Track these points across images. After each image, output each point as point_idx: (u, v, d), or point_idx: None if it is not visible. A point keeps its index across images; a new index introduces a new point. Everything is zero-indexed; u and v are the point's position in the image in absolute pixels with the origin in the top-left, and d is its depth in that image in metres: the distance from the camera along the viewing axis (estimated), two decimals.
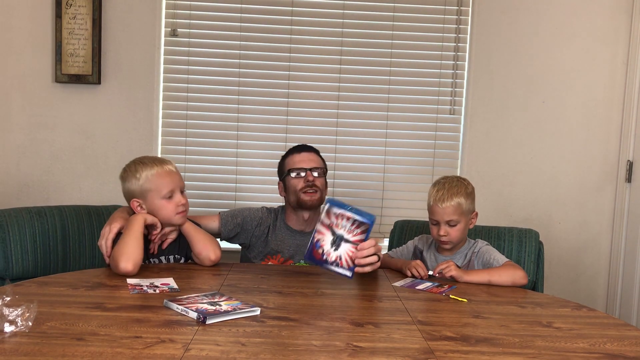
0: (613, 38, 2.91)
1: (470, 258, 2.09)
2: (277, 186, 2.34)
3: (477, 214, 2.11)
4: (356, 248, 1.74)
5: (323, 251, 1.75)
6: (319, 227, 1.75)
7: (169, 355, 1.20)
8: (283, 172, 2.29)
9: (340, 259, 1.75)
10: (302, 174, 2.22)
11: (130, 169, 1.97)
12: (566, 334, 1.47)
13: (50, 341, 1.25)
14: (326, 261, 1.75)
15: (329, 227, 1.75)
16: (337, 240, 1.74)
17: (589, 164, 2.96)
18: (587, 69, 2.92)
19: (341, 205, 1.75)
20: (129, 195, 1.97)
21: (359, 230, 1.74)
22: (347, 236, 1.74)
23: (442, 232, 2.03)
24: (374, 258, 1.75)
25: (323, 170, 2.27)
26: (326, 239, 1.75)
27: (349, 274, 1.75)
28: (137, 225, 1.87)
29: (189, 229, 2.00)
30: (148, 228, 1.94)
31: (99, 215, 2.34)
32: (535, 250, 2.33)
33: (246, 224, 2.25)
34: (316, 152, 2.31)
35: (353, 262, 1.74)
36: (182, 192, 1.99)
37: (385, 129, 2.95)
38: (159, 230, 1.95)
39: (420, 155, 2.97)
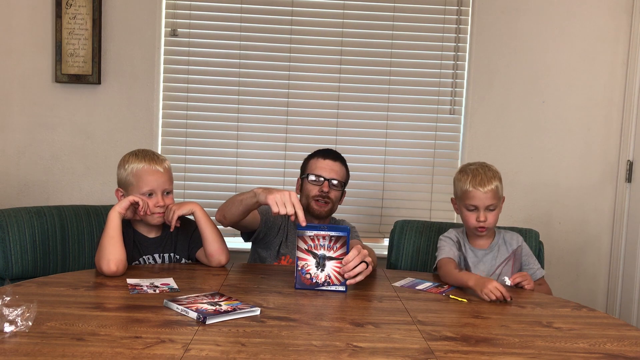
0: (613, 38, 2.91)
1: (513, 251, 2.07)
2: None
3: (504, 198, 2.09)
4: (341, 262, 1.74)
5: (311, 276, 1.76)
6: (298, 254, 1.76)
7: (168, 356, 1.20)
8: (304, 171, 2.28)
9: (330, 277, 1.75)
10: (320, 182, 2.20)
11: (124, 158, 2.00)
12: (566, 334, 1.47)
13: (50, 341, 1.25)
14: (317, 284, 1.76)
15: (309, 251, 1.75)
16: (321, 261, 1.75)
17: (589, 164, 2.96)
18: (587, 69, 2.92)
19: (312, 227, 1.75)
20: (117, 183, 2.01)
21: (338, 245, 1.75)
22: (329, 254, 1.75)
23: (482, 218, 1.99)
24: (362, 266, 1.74)
25: (342, 183, 2.25)
26: (310, 263, 1.76)
27: (342, 288, 1.76)
28: (111, 224, 1.86)
29: (206, 226, 1.96)
30: (134, 207, 1.93)
31: (98, 215, 2.34)
32: (535, 250, 2.33)
33: (272, 222, 2.23)
34: (342, 161, 2.28)
35: (343, 276, 1.74)
36: (167, 193, 1.99)
37: (385, 129, 2.95)
38: (141, 203, 1.91)
39: (420, 155, 2.97)
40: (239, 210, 1.96)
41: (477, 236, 2.08)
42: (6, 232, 2.09)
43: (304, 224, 1.76)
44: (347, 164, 2.91)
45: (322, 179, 2.20)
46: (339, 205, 2.31)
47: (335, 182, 2.22)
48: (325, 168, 2.22)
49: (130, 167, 1.96)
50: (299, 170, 2.35)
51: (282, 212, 1.75)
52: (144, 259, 2.02)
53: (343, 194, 2.31)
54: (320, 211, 2.21)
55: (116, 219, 1.86)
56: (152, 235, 2.02)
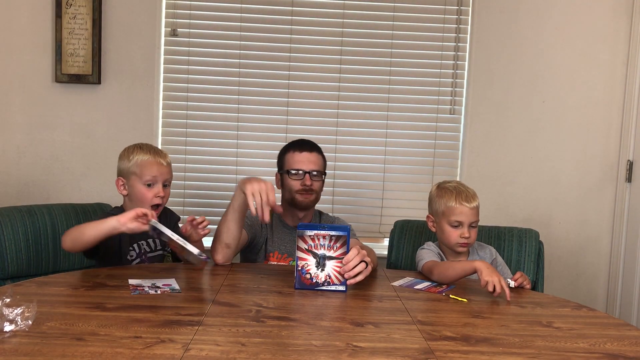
0: (613, 38, 2.91)
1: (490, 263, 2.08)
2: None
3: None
4: (341, 262, 1.74)
5: (311, 276, 1.76)
6: (298, 254, 1.76)
7: (168, 356, 1.20)
8: (282, 166, 2.28)
9: (330, 277, 1.75)
10: (300, 176, 2.20)
11: (128, 150, 2.07)
12: (566, 333, 1.47)
13: (50, 341, 1.25)
14: (317, 284, 1.76)
15: (309, 251, 1.75)
16: (321, 261, 1.75)
17: (589, 164, 2.96)
18: (587, 69, 2.92)
19: (312, 227, 1.76)
20: (118, 173, 2.07)
21: (338, 244, 1.75)
22: (329, 254, 1.75)
23: (467, 234, 2.00)
24: (362, 266, 1.75)
25: (321, 173, 2.25)
26: (310, 263, 1.76)
27: (342, 288, 1.76)
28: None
29: None
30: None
31: (86, 213, 2.35)
32: (535, 250, 2.34)
33: (254, 224, 2.24)
34: (318, 150, 2.28)
35: (343, 276, 1.75)
36: (165, 185, 2.04)
37: (385, 129, 2.94)
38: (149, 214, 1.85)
39: (420, 155, 2.97)
40: (236, 217, 2.00)
41: (454, 254, 2.07)
42: (1, 232, 2.11)
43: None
44: (347, 163, 2.94)
45: (301, 172, 2.20)
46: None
47: (315, 173, 2.22)
48: (304, 161, 2.22)
49: (135, 158, 2.02)
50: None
51: (257, 200, 1.84)
52: (138, 244, 2.06)
53: (323, 181, 2.31)
54: (306, 201, 2.20)
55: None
56: None
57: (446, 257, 2.08)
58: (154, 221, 1.76)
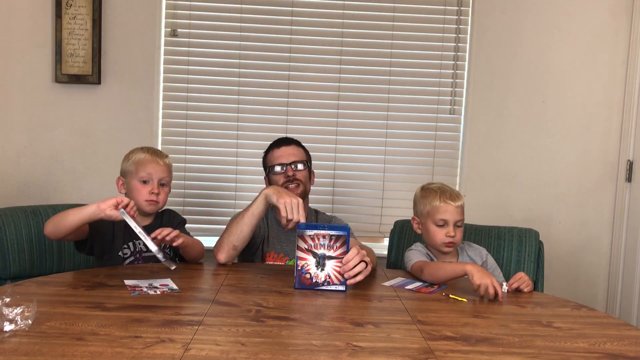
0: (613, 38, 2.91)
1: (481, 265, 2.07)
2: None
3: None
4: (341, 262, 1.74)
5: (311, 275, 1.76)
6: (298, 253, 1.76)
7: (168, 355, 1.20)
8: (266, 168, 2.32)
9: (330, 277, 1.75)
10: (283, 169, 2.23)
11: (130, 152, 2.14)
12: (566, 333, 1.47)
13: (50, 341, 1.25)
14: (317, 284, 1.76)
15: (309, 251, 1.75)
16: (321, 260, 1.75)
17: (589, 164, 2.96)
18: (587, 69, 2.92)
19: (313, 226, 1.76)
20: (120, 173, 2.14)
21: (338, 244, 1.75)
22: (329, 253, 1.75)
23: (452, 233, 2.00)
24: (362, 266, 1.75)
25: (304, 162, 2.27)
26: (310, 263, 1.76)
27: (342, 288, 1.76)
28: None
29: (191, 248, 2.04)
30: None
31: None
32: (535, 250, 2.34)
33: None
34: (296, 143, 2.32)
35: (343, 276, 1.75)
36: (162, 184, 2.07)
37: (385, 129, 2.94)
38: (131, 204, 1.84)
39: (420, 155, 2.96)
40: (252, 222, 2.04)
41: (442, 255, 2.07)
42: (3, 232, 2.11)
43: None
44: (347, 163, 2.93)
45: (284, 167, 2.23)
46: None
47: (298, 164, 2.24)
48: (283, 155, 2.26)
49: (133, 157, 2.09)
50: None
51: (290, 217, 1.90)
52: (134, 242, 2.05)
53: (312, 173, 2.33)
54: (294, 193, 2.17)
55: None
56: (144, 223, 2.05)
57: (436, 258, 2.08)
58: (123, 211, 1.76)
